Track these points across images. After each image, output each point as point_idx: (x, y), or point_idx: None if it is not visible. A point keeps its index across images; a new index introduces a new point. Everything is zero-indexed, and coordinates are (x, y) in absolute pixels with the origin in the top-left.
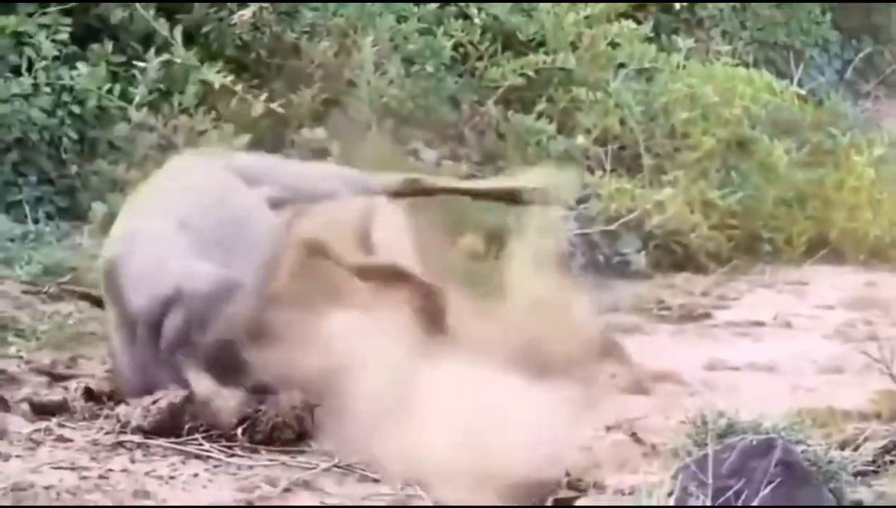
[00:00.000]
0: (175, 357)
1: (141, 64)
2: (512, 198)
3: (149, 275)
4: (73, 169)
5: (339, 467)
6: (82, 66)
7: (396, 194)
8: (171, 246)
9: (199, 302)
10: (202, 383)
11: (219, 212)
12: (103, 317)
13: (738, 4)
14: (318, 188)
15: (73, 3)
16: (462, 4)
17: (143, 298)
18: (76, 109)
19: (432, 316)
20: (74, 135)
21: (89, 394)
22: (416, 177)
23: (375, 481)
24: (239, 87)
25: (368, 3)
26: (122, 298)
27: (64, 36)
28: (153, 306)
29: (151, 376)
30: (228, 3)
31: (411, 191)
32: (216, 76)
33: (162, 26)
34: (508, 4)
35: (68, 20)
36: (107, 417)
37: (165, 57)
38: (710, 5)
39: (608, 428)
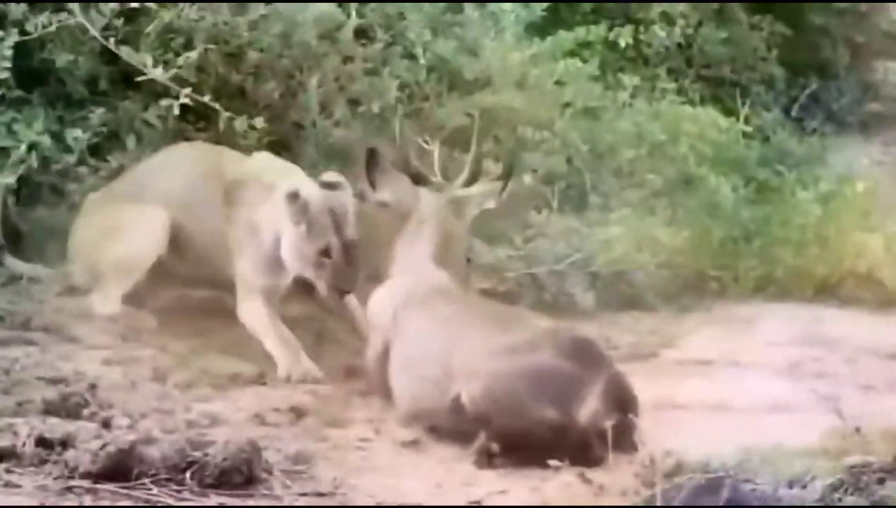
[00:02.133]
0: None
1: (84, 113)
2: None
3: None
4: (17, 213)
5: None
6: (26, 111)
7: None
8: None
9: None
10: None
11: None
12: (51, 363)
13: (683, 42)
14: None
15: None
16: (407, 45)
17: None
18: (20, 154)
19: None
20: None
21: (41, 441)
22: None
23: None
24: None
25: (314, 45)
26: None
27: (7, 76)
28: None
29: None
30: (173, 46)
31: None
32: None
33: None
34: (453, 44)
35: (10, 64)
36: (55, 462)
37: (102, 110)
38: (655, 42)
39: (557, 468)
